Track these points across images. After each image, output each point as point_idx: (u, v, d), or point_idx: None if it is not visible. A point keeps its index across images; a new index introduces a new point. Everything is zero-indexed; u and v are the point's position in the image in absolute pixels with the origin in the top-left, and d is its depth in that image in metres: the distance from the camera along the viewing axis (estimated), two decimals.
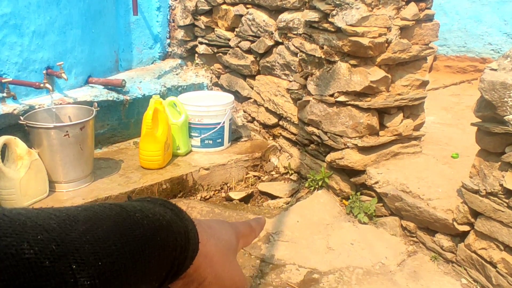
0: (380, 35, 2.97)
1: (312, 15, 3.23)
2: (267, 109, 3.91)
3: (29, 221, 0.40)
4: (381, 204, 3.13)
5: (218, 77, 4.44)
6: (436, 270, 2.73)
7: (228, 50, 4.18)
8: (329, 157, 3.32)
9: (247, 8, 3.89)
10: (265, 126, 4.00)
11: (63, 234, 0.41)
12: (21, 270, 0.37)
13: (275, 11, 3.66)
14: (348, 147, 3.20)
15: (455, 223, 2.64)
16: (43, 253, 0.38)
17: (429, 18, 3.15)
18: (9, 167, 2.96)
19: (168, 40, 4.66)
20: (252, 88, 4.04)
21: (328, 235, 3.01)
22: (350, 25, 2.96)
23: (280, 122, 3.83)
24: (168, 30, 4.62)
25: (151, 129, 3.40)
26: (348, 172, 3.30)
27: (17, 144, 2.97)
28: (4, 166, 2.93)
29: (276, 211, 3.29)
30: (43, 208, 0.44)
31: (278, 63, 3.69)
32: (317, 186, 3.42)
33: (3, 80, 3.23)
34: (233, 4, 4.01)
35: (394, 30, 3.03)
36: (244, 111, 4.20)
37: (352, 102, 3.12)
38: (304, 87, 3.49)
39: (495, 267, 2.46)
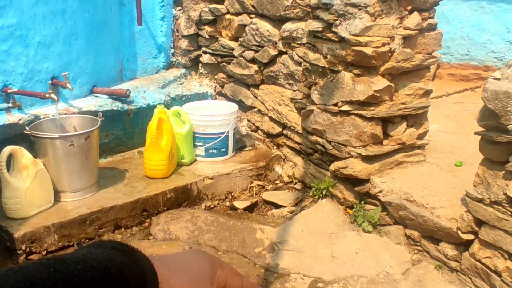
0: (383, 44, 2.99)
1: (316, 25, 3.25)
2: (271, 119, 3.93)
3: None
4: (385, 213, 3.14)
5: (222, 87, 4.46)
6: (441, 279, 2.74)
7: (232, 60, 4.20)
8: (333, 166, 3.33)
9: (251, 18, 3.91)
10: (269, 135, 4.02)
11: None
12: None
13: (278, 21, 3.68)
14: (352, 156, 3.21)
15: (459, 232, 2.65)
16: None
17: (432, 28, 3.17)
18: (14, 176, 2.98)
19: (172, 50, 4.68)
20: (256, 98, 4.06)
21: (332, 244, 3.02)
22: (354, 34, 2.97)
23: (284, 131, 3.85)
24: (172, 40, 4.65)
25: (155, 138, 3.41)
26: (352, 181, 3.30)
27: (23, 154, 2.99)
28: (10, 176, 2.96)
29: (280, 220, 3.30)
30: None
31: (282, 72, 3.71)
32: (321, 195, 3.43)
33: (8, 91, 3.26)
34: (237, 14, 4.04)
35: (397, 40, 3.04)
36: (248, 121, 4.22)
37: (356, 111, 3.13)
38: (308, 96, 3.50)
39: (500, 276, 2.46)
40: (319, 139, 3.42)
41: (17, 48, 3.36)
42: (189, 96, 4.33)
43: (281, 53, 3.71)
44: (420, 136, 3.37)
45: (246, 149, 4.07)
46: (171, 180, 3.51)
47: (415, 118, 3.32)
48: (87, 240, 3.09)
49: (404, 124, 3.26)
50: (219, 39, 4.30)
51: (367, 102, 3.10)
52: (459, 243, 2.71)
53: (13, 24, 3.31)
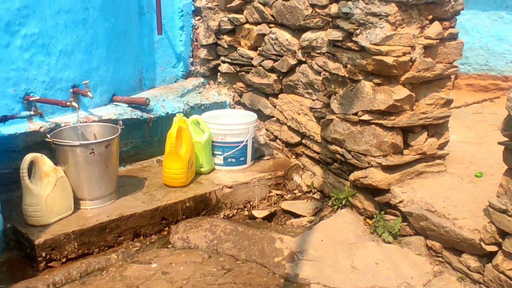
0: (404, 54, 2.98)
1: (336, 34, 3.24)
2: (289, 128, 3.92)
3: None
4: (406, 223, 3.11)
5: (241, 96, 4.47)
6: None
7: (251, 69, 4.21)
8: (353, 176, 3.31)
9: (270, 27, 3.92)
10: (287, 144, 4.01)
11: None
12: None
13: (298, 30, 3.68)
14: (372, 166, 3.19)
15: (482, 243, 2.61)
16: None
17: (453, 37, 3.15)
18: (35, 184, 3.00)
19: (191, 59, 4.70)
20: (275, 107, 4.06)
21: (352, 254, 2.99)
22: (374, 44, 2.97)
23: (303, 141, 3.84)
24: (191, 49, 4.67)
25: (175, 147, 3.42)
26: (372, 191, 3.28)
27: (44, 162, 3.01)
28: (31, 183, 2.97)
29: (299, 230, 3.28)
30: None
31: (301, 81, 3.70)
32: (340, 205, 3.41)
33: (30, 99, 3.29)
34: (256, 24, 4.05)
35: (418, 49, 3.03)
36: (267, 130, 4.21)
37: (376, 121, 3.12)
38: (327, 105, 3.49)
39: None
40: (338, 149, 3.41)
41: (39, 57, 3.39)
42: (207, 105, 4.34)
43: (300, 62, 3.71)
44: (441, 146, 3.34)
45: (265, 158, 4.06)
46: (190, 189, 3.51)
47: (436, 128, 3.29)
48: (106, 248, 3.10)
49: (425, 134, 3.24)
50: (238, 48, 4.31)
51: (387, 112, 3.08)
52: (482, 255, 2.68)
53: (35, 33, 3.35)
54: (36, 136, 3.37)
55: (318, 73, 3.53)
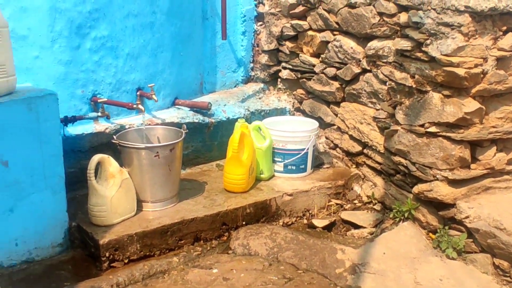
0: (476, 65, 2.91)
1: (404, 44, 3.19)
2: (351, 137, 3.87)
3: None
4: (471, 239, 3.02)
5: (301, 103, 4.44)
6: None
7: (312, 76, 4.18)
8: (417, 189, 3.24)
9: (334, 35, 3.88)
10: (348, 153, 3.96)
11: None
12: None
13: (363, 39, 3.63)
14: (437, 179, 3.12)
15: None
16: None
17: None
18: (101, 184, 3.06)
19: (251, 64, 4.71)
20: (336, 115, 4.02)
21: (415, 269, 2.93)
22: (445, 55, 2.90)
23: (365, 151, 3.78)
24: (252, 54, 4.68)
25: (237, 152, 3.43)
26: (436, 205, 3.21)
27: (110, 163, 3.07)
28: (97, 184, 3.03)
29: (360, 241, 3.24)
30: None
31: (365, 90, 3.66)
32: (402, 218, 3.35)
33: (99, 100, 3.36)
34: (320, 31, 4.02)
35: (490, 61, 2.95)
36: (327, 138, 4.18)
37: (444, 134, 3.05)
38: (392, 116, 3.44)
39: None
40: (402, 160, 3.35)
41: (107, 59, 3.46)
42: (267, 111, 4.34)
43: (364, 71, 3.67)
44: (510, 162, 3.24)
45: (324, 166, 4.03)
46: (250, 195, 3.51)
47: (505, 143, 3.19)
48: (167, 251, 3.12)
49: (494, 148, 3.15)
50: (300, 55, 4.29)
51: (455, 124, 3.01)
52: None
53: (105, 35, 3.42)
54: (101, 137, 3.44)
55: (383, 82, 3.47)
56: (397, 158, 3.39)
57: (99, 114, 3.39)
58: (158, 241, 3.08)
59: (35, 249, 2.95)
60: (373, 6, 3.43)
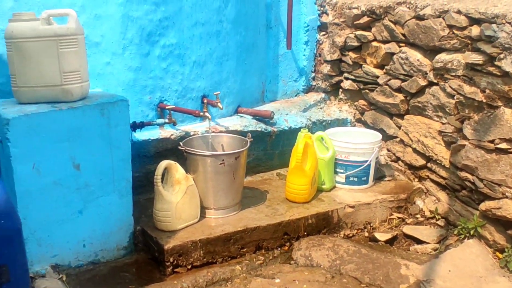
0: None
1: (475, 58, 3.12)
2: (414, 150, 3.82)
3: None
4: None
5: (362, 114, 4.41)
6: None
7: (376, 87, 4.14)
8: (484, 206, 3.17)
9: (400, 46, 3.84)
10: (410, 167, 3.91)
11: None
12: None
13: (430, 51, 3.58)
14: (507, 197, 3.04)
15: None
16: None
17: None
18: (167, 190, 3.10)
19: (313, 74, 4.71)
20: (399, 127, 3.97)
21: None
22: None
23: (428, 165, 3.72)
24: (314, 64, 4.68)
25: (300, 163, 3.43)
26: (504, 223, 3.12)
27: (177, 169, 3.11)
28: (163, 189, 3.07)
29: (424, 257, 3.18)
30: None
31: (430, 104, 3.60)
32: (468, 235, 3.27)
33: (166, 107, 3.42)
34: (385, 42, 3.98)
35: None
36: (388, 150, 4.13)
37: None
38: (459, 130, 3.37)
39: None
40: (469, 176, 3.28)
41: (174, 66, 3.52)
42: (329, 122, 4.32)
43: (430, 84, 3.61)
44: None
45: (386, 179, 3.98)
46: (312, 206, 3.50)
47: None
48: (229, 258, 3.14)
49: None
50: (363, 66, 4.25)
51: None
52: None
53: (173, 43, 3.48)
54: (167, 143, 3.50)
55: (451, 96, 3.41)
56: (463, 174, 3.32)
57: (167, 120, 3.45)
58: (220, 248, 3.11)
59: (101, 251, 3.02)
60: (443, 18, 3.37)
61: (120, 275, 2.97)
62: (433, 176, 3.70)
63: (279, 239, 3.29)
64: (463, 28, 3.25)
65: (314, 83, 4.73)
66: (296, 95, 4.69)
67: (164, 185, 3.10)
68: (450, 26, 3.34)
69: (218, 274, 2.96)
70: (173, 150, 3.43)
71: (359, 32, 4.22)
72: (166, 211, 3.08)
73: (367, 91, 4.26)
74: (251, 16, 4.07)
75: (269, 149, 4.05)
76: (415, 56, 3.69)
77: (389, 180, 3.97)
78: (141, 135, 3.41)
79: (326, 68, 4.60)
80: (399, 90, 3.90)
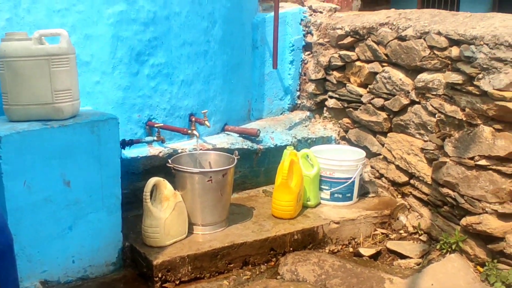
0: None
1: (455, 77, 3.23)
2: (397, 167, 3.91)
3: None
4: None
5: (346, 131, 4.50)
6: None
7: (359, 106, 4.24)
8: (465, 221, 3.25)
9: (383, 66, 3.94)
10: (394, 183, 3.99)
11: None
12: None
13: (412, 71, 3.68)
14: (486, 212, 3.13)
15: None
16: None
17: None
18: (156, 206, 3.15)
19: (298, 93, 4.80)
20: (383, 145, 4.06)
21: None
22: (498, 89, 2.94)
23: (411, 181, 3.81)
24: (299, 83, 4.77)
25: (286, 179, 3.50)
26: (485, 238, 3.21)
27: (165, 186, 3.17)
28: (152, 206, 3.13)
29: (408, 272, 3.25)
30: None
31: (413, 122, 3.70)
32: (449, 250, 3.35)
33: (155, 125, 3.48)
34: (368, 62, 4.09)
35: None
36: (372, 167, 4.22)
37: (494, 167, 3.06)
38: (440, 147, 3.47)
39: None
40: (450, 192, 3.37)
41: (163, 85, 3.60)
42: (314, 139, 4.41)
43: (413, 102, 3.71)
44: None
45: (369, 195, 4.06)
46: (298, 222, 3.57)
47: None
48: (217, 274, 3.19)
49: None
50: (347, 85, 4.36)
51: (506, 158, 3.02)
52: None
53: (162, 63, 3.56)
54: (155, 160, 3.56)
55: (432, 114, 3.51)
56: (445, 190, 3.41)
57: (155, 138, 3.51)
58: (208, 264, 3.16)
59: (90, 267, 3.05)
60: (424, 39, 3.49)
61: None
62: (415, 193, 3.79)
63: (265, 254, 3.35)
64: (443, 49, 3.36)
65: (299, 102, 4.83)
66: (281, 113, 4.77)
67: (152, 201, 3.15)
68: (431, 47, 3.45)
69: None
70: (161, 167, 3.48)
71: (343, 52, 4.33)
72: (154, 227, 3.13)
73: (351, 109, 4.36)
74: (238, 36, 4.16)
75: (255, 167, 4.11)
76: (397, 75, 3.79)
77: (373, 197, 4.05)
78: (130, 152, 3.46)
79: (311, 87, 4.70)
80: (382, 108, 4.00)
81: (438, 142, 3.49)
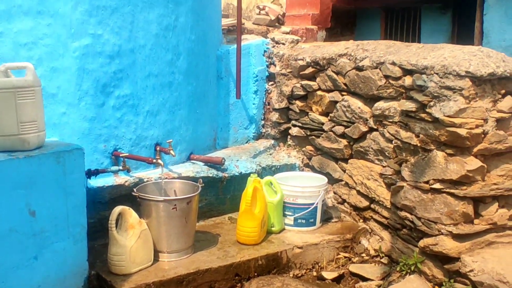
0: (477, 126, 3.08)
1: (409, 105, 3.38)
2: (358, 192, 4.03)
3: None
4: None
5: (310, 159, 4.62)
6: None
7: (321, 134, 4.37)
8: (422, 243, 3.37)
9: (342, 95, 4.09)
10: (356, 208, 4.11)
11: None
12: None
13: (370, 99, 3.83)
14: (442, 234, 3.25)
15: None
16: None
17: None
18: (121, 235, 3.20)
19: (262, 121, 4.92)
20: (344, 171, 4.19)
21: None
22: (448, 116, 3.09)
23: (372, 206, 3.93)
24: (263, 112, 4.90)
25: (250, 206, 3.59)
26: (441, 259, 3.33)
27: (131, 214, 3.23)
28: (117, 234, 3.17)
29: None
30: None
31: (372, 148, 3.83)
32: (409, 271, 3.46)
33: (121, 155, 3.55)
34: (329, 91, 4.23)
35: (490, 122, 3.12)
36: (335, 193, 4.33)
37: (448, 190, 3.20)
38: (398, 172, 3.60)
39: None
40: (408, 215, 3.49)
41: (128, 116, 3.67)
42: (278, 167, 4.51)
43: (371, 129, 3.85)
44: None
45: (333, 220, 4.17)
46: (262, 247, 3.64)
47: (507, 199, 3.33)
48: None
49: (496, 205, 3.29)
50: (309, 113, 4.49)
51: (459, 181, 3.17)
52: None
53: (127, 94, 3.64)
54: (121, 189, 3.61)
55: (390, 141, 3.65)
56: (403, 213, 3.53)
57: (121, 167, 3.57)
58: None
59: None
60: (379, 69, 3.65)
61: None
62: (376, 217, 3.90)
63: (230, 280, 3.41)
64: (397, 78, 3.52)
65: (263, 130, 4.95)
66: (246, 142, 4.88)
67: (118, 230, 3.20)
68: (386, 76, 3.61)
69: None
70: (127, 196, 3.53)
71: (304, 82, 4.48)
72: (120, 255, 3.17)
73: (313, 137, 4.49)
74: (203, 67, 4.28)
75: (220, 194, 4.19)
76: (356, 104, 3.94)
77: (335, 221, 4.16)
78: (96, 182, 3.51)
79: (274, 116, 4.83)
80: (343, 136, 4.14)
81: (395, 167, 3.63)
